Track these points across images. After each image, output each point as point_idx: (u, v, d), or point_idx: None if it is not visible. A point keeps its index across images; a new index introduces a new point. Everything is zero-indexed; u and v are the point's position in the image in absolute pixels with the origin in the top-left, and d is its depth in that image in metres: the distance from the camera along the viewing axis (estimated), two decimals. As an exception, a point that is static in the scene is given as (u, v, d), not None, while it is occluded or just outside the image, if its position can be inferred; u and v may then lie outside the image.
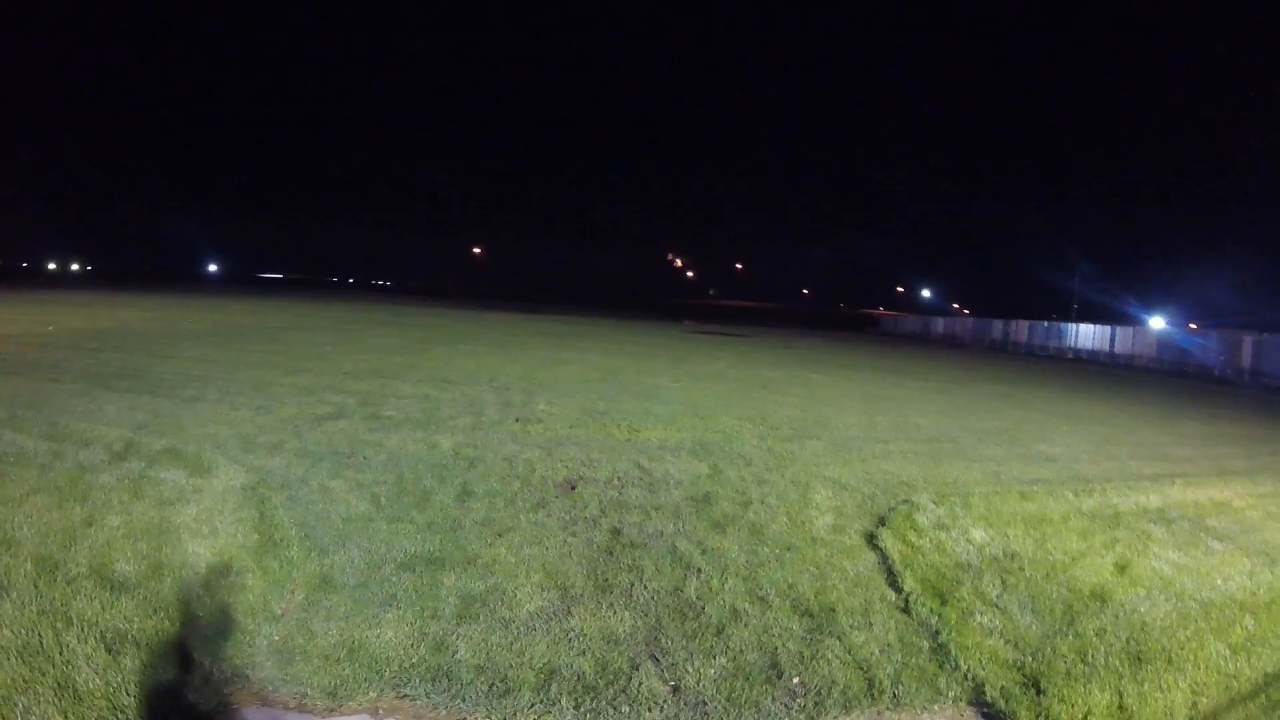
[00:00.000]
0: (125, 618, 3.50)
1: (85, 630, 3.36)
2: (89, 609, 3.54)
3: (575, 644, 3.65)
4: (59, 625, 3.38)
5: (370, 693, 3.19)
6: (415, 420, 8.14)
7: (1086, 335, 38.05)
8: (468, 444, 7.19)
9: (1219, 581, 5.09)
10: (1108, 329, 36.79)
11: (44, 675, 3.02)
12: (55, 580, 3.77)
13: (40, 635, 3.28)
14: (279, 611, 3.78)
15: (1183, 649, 4.07)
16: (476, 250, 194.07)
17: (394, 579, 4.18)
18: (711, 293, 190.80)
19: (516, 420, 8.50)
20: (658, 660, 3.58)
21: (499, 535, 4.93)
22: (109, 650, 3.23)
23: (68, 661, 3.13)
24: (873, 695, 3.44)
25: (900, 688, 3.52)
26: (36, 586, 3.70)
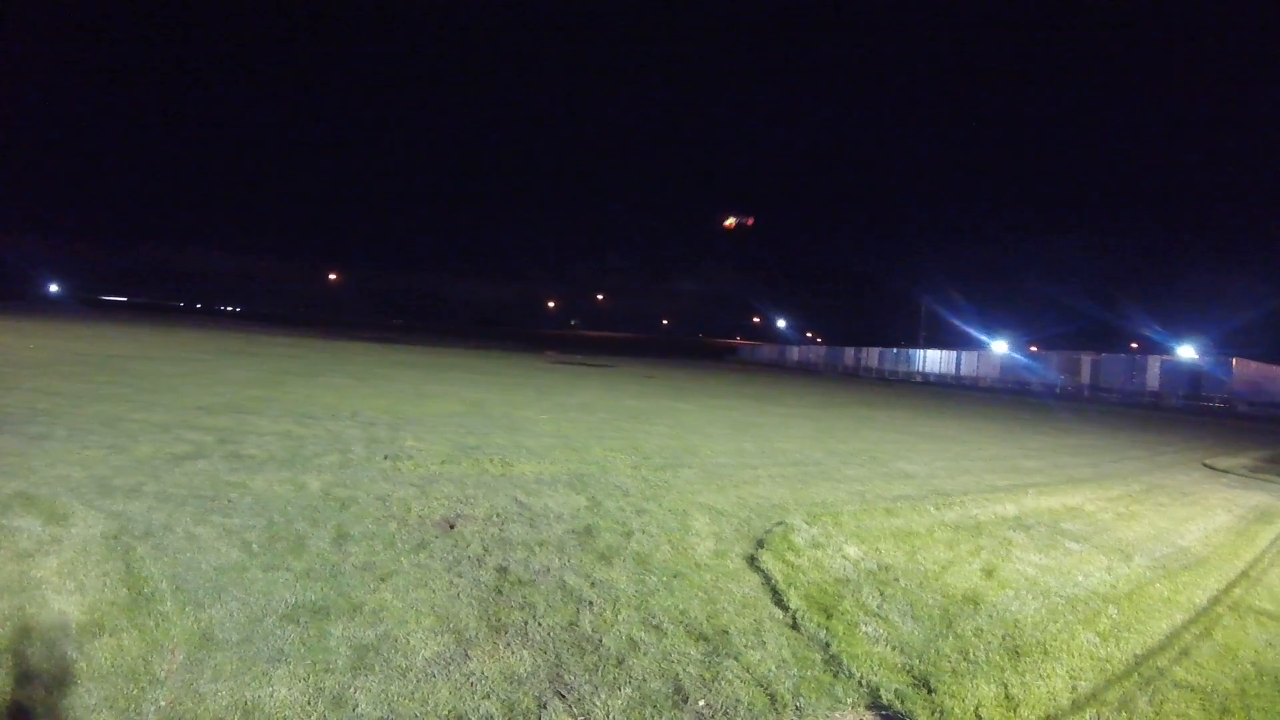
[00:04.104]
0: (-4, 687, 3.06)
1: (-52, 705, 2.88)
2: (-48, 678, 3.05)
3: (478, 688, 3.52)
4: (-81, 699, 2.88)
5: (268, 758, 2.92)
6: (279, 459, 7.61)
7: (934, 360, 41.39)
8: (337, 484, 6.79)
9: (1080, 578, 5.67)
10: (953, 354, 40.21)
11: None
12: (-91, 645, 3.23)
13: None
14: (161, 674, 3.40)
15: (1056, 640, 4.51)
16: (332, 277, 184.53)
17: (279, 632, 3.86)
18: (573, 323, 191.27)
19: (385, 458, 8.14)
20: (564, 696, 3.52)
21: (382, 580, 4.68)
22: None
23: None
24: (776, 710, 3.55)
25: (801, 699, 3.65)
26: (-116, 653, 3.14)
